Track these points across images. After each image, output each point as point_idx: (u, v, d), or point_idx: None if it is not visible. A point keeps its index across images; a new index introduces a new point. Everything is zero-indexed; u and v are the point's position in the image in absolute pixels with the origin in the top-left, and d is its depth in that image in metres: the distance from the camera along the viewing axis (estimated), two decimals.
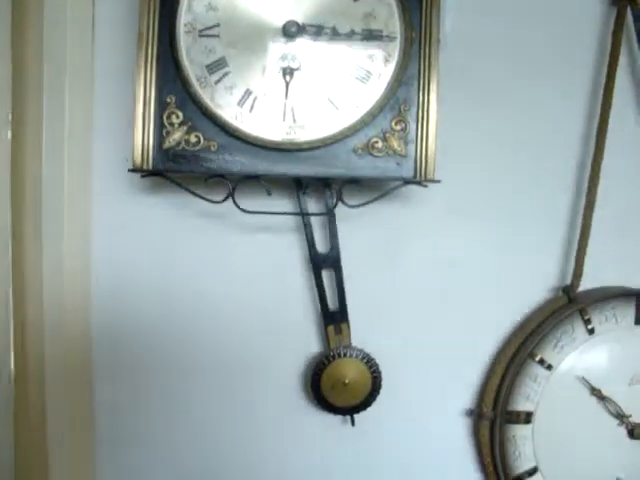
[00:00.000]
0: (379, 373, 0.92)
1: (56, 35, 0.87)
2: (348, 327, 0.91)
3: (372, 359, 0.92)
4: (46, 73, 0.86)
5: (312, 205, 0.90)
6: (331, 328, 0.91)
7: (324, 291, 0.91)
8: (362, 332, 0.92)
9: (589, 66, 0.96)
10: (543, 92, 0.95)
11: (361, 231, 0.93)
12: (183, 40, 0.81)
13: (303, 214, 0.88)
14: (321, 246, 0.91)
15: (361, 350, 0.91)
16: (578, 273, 0.93)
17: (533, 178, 0.96)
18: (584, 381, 0.93)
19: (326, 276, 0.91)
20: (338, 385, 0.90)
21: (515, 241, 0.96)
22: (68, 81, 0.87)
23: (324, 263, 0.90)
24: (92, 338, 0.93)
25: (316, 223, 0.91)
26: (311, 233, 0.89)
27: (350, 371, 0.91)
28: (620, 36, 0.92)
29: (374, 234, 0.94)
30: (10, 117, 0.85)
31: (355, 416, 0.94)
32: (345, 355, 0.91)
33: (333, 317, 0.91)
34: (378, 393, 0.93)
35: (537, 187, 0.96)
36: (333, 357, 0.90)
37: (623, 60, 0.95)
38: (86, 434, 0.93)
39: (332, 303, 0.92)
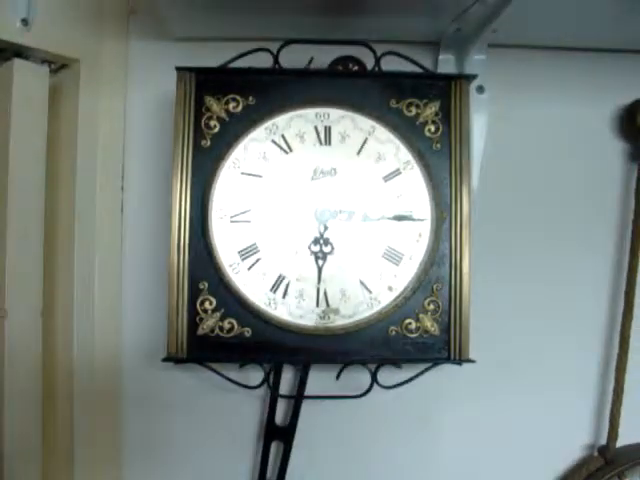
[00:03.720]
0: None
1: (86, 217, 0.90)
2: None
3: None
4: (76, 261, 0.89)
5: (346, 385, 0.90)
6: None
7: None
8: None
9: (614, 225, 0.96)
10: (570, 256, 0.95)
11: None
12: (215, 226, 0.81)
13: (337, 397, 0.86)
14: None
15: None
16: (613, 435, 0.92)
17: (562, 338, 0.95)
18: None
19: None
20: None
21: (546, 401, 0.94)
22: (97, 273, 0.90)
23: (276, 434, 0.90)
24: None
25: None
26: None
27: None
28: None
29: (403, 406, 0.93)
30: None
31: None
32: None
33: None
34: None
35: (567, 346, 0.95)
36: None
37: None
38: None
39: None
